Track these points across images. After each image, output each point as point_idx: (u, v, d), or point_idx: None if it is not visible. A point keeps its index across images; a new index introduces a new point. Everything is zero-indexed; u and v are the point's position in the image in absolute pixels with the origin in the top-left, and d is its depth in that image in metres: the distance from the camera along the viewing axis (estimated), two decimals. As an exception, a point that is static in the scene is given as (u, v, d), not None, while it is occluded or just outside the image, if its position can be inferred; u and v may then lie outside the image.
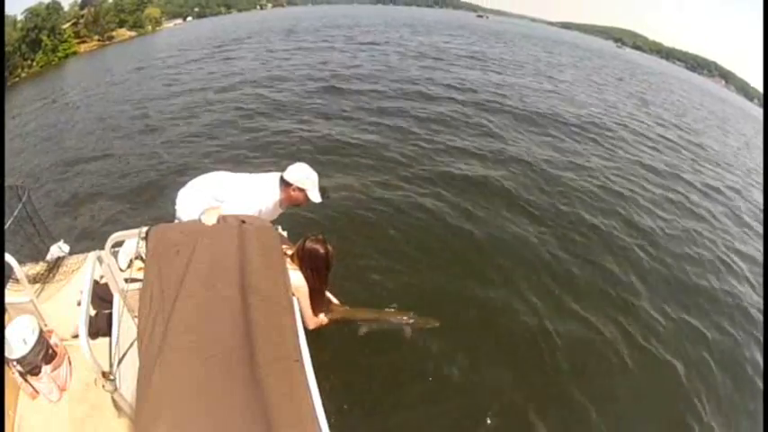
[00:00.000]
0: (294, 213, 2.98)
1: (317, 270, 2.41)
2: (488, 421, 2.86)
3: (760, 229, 7.54)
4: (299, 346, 1.65)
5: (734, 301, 4.94)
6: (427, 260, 4.34)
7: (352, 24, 32.15)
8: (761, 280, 5.61)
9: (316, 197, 2.61)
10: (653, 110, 16.73)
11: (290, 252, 2.44)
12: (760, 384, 3.85)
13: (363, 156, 6.94)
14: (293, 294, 1.94)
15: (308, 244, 2.39)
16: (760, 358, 4.13)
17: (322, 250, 2.39)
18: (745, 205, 8.73)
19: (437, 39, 26.06)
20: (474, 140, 8.27)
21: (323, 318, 2.69)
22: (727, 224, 7.30)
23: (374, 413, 2.75)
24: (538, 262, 4.67)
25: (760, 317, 4.76)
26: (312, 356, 1.70)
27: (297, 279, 2.30)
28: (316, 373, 1.62)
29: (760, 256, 6.37)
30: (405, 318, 3.09)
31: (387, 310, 3.23)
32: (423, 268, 4.20)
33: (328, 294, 2.87)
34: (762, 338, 4.41)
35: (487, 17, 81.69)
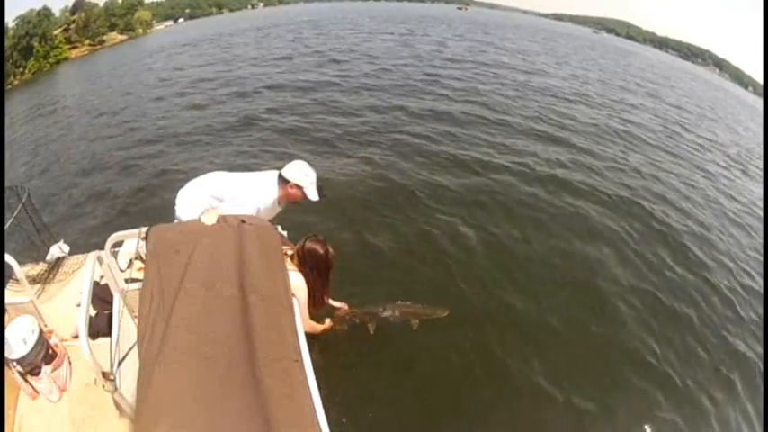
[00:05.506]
0: (295, 213, 2.98)
1: (317, 270, 2.40)
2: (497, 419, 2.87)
3: None
4: (299, 346, 1.64)
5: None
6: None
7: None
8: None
9: (313, 195, 2.62)
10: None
11: (290, 252, 2.45)
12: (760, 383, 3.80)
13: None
14: (293, 295, 1.95)
15: (308, 244, 2.39)
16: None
17: (321, 251, 2.39)
18: None
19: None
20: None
21: (318, 325, 2.69)
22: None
23: (376, 412, 2.75)
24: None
25: None
26: (312, 356, 1.70)
27: (297, 280, 2.30)
28: (316, 373, 1.62)
29: None
30: (412, 308, 2.99)
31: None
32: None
33: (332, 302, 2.86)
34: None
35: (466, 9, 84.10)
